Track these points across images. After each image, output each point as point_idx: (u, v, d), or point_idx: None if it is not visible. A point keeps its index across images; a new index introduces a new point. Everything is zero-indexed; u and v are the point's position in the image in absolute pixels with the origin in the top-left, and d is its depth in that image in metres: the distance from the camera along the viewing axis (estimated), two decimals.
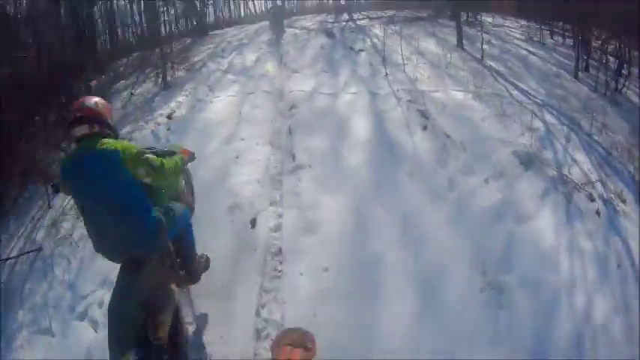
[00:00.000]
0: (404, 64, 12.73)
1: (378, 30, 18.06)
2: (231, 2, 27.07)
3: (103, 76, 14.94)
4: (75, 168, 3.40)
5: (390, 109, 9.95)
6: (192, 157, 4.44)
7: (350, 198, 7.08)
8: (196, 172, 6.36)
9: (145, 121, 10.71)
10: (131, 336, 3.17)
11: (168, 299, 3.60)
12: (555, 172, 7.61)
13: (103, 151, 3.27)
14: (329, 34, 18.21)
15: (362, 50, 15.11)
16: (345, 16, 22.47)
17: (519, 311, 5.14)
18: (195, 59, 16.15)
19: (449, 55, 13.85)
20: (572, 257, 5.93)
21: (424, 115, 9.57)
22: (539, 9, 20.17)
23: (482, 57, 14.17)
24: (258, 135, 9.43)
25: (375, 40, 16.30)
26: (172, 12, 22.65)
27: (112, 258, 3.58)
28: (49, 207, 8.04)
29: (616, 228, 6.59)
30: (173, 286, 3.85)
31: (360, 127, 9.23)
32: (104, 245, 3.51)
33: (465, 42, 15.58)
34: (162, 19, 21.07)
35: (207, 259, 5.04)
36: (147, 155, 3.35)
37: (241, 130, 9.69)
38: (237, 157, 8.58)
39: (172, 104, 11.54)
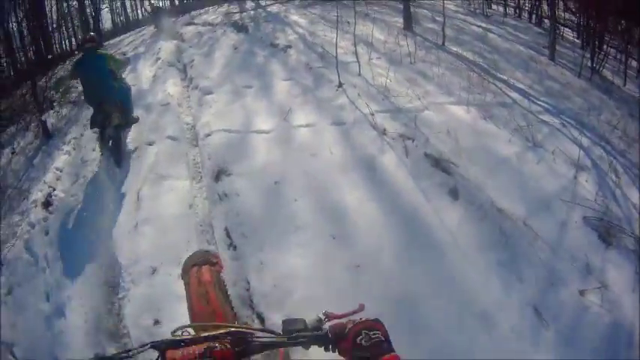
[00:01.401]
0: (358, 64, 8.90)
1: (296, 16, 14.43)
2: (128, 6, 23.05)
3: None
4: (85, 60, 7.05)
5: (377, 154, 6.06)
6: (128, 61, 10.19)
7: None
8: None
9: (20, 214, 6.23)
10: (98, 123, 6.88)
11: (113, 116, 6.99)
12: (634, 242, 4.92)
13: (99, 54, 7.18)
14: (239, 27, 13.91)
15: (289, 47, 11.06)
16: (251, 4, 18.62)
17: None
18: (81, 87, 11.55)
19: (403, 43, 10.27)
20: None
21: (440, 165, 5.72)
22: None
23: (443, 42, 11.00)
24: (174, 256, 4.65)
25: (300, 30, 12.49)
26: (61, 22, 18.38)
27: (93, 102, 7.06)
28: None
29: None
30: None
31: (352, 208, 5.19)
32: (90, 97, 7.12)
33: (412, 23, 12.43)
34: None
35: (137, 117, 7.99)
36: (115, 58, 7.70)
37: (143, 243, 5.24)
38: (156, 323, 4.24)
39: (50, 175, 7.16)
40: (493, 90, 8.34)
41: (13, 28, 16.17)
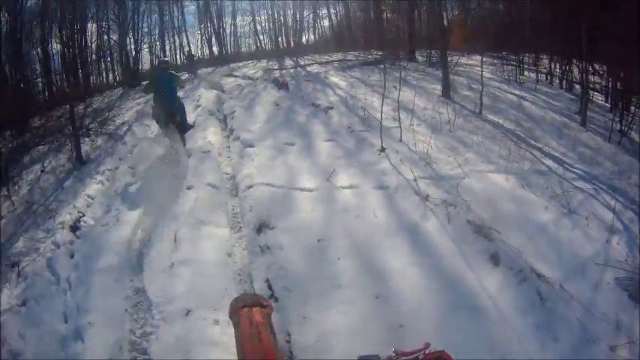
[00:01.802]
0: (399, 129, 9.42)
1: (336, 78, 15.24)
2: (167, 50, 24.20)
3: (12, 143, 10.87)
4: (160, 76, 10.51)
5: (420, 221, 6.35)
6: (183, 83, 12.36)
7: None
8: None
9: (45, 231, 6.74)
10: (163, 122, 10.42)
11: (177, 117, 10.56)
12: None
13: (170, 73, 10.64)
14: (280, 84, 14.70)
15: (330, 108, 11.71)
16: (291, 62, 19.72)
17: None
18: (119, 121, 12.69)
19: (443, 111, 10.82)
20: None
21: (482, 231, 5.99)
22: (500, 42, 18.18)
23: (480, 110, 11.47)
24: (211, 299, 5.15)
25: (340, 92, 13.19)
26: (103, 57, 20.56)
27: (162, 107, 10.23)
28: None
29: None
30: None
31: (395, 271, 5.45)
32: (160, 102, 10.21)
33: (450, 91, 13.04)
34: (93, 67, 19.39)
35: (193, 124, 11.23)
36: (179, 78, 11.21)
37: (179, 284, 5.45)
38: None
39: (80, 201, 7.64)
40: (529, 158, 8.70)
41: (52, 51, 17.62)
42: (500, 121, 10.83)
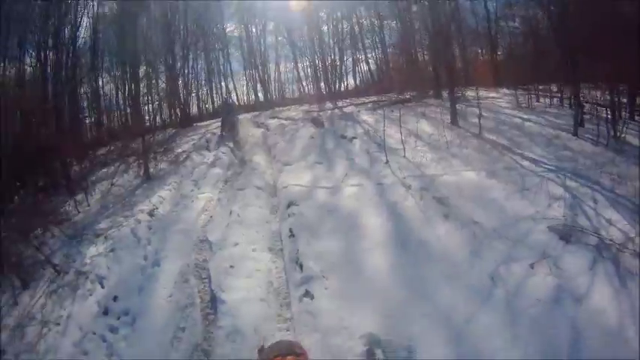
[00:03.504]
0: (404, 149, 12.26)
1: (366, 116, 18.02)
2: (214, 94, 26.68)
3: (85, 163, 14.86)
4: (226, 104, 20.82)
5: (401, 200, 9.30)
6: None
7: (381, 314, 6.34)
8: (184, 286, 7.49)
9: (124, 216, 10.13)
10: (227, 129, 17.44)
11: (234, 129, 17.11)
12: (596, 239, 7.44)
13: (231, 102, 20.92)
14: (317, 123, 17.88)
15: (354, 138, 14.67)
16: (329, 105, 22.49)
17: None
18: (179, 150, 15.86)
19: (446, 134, 13.50)
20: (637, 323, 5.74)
21: (442, 202, 8.91)
22: (521, 75, 20.37)
23: (480, 132, 13.93)
24: (253, 239, 8.80)
25: (366, 127, 16.05)
26: (156, 100, 23.12)
27: (226, 123, 18.27)
28: (16, 303, 7.58)
29: None
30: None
31: (373, 224, 8.54)
32: (225, 120, 18.39)
33: (458, 119, 15.45)
34: (146, 107, 21.96)
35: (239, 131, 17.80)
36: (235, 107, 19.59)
37: (233, 232, 9.02)
38: (231, 267, 7.86)
39: (154, 199, 11.01)
40: (507, 160, 11.19)
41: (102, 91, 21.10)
42: (496, 139, 13.24)
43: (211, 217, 9.88)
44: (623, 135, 12.74)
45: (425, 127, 14.66)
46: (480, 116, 14.18)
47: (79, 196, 11.84)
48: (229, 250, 8.36)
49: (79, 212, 11.07)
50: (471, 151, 12.12)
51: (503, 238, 7.58)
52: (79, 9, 19.59)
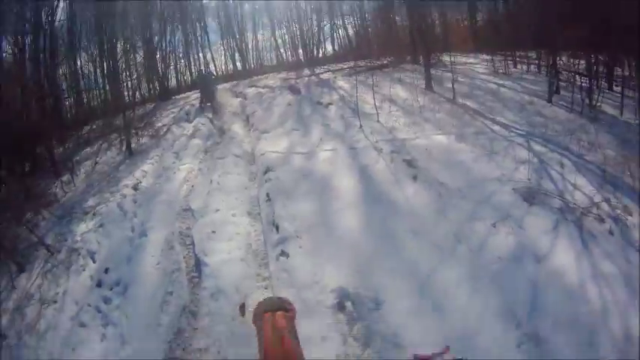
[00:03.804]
0: (377, 114, 12.48)
1: (342, 82, 18.21)
2: (192, 66, 26.57)
3: (68, 144, 15.20)
4: (203, 74, 19.88)
5: (372, 163, 9.62)
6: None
7: (351, 269, 6.69)
8: (170, 253, 7.86)
9: (110, 192, 10.48)
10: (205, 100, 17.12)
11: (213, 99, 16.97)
12: (560, 202, 7.76)
13: (209, 73, 20.44)
14: (294, 90, 17.99)
15: (330, 104, 14.85)
16: (307, 72, 22.54)
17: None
18: (160, 124, 16.00)
19: (420, 99, 13.76)
20: (598, 284, 6.11)
21: (411, 164, 9.27)
22: (500, 41, 20.55)
23: (453, 97, 14.18)
24: (233, 205, 9.18)
25: (342, 92, 16.25)
26: (135, 76, 22.91)
27: (204, 92, 17.73)
28: (13, 287, 7.95)
29: (630, 241, 6.96)
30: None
31: (345, 186, 8.87)
32: (203, 90, 17.72)
33: (433, 84, 15.67)
34: (125, 83, 21.89)
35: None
36: (214, 77, 19.85)
37: (214, 200, 9.39)
38: (213, 232, 8.23)
39: (137, 173, 11.31)
40: (478, 125, 11.50)
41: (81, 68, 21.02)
42: (469, 104, 13.53)
43: (193, 186, 10.19)
44: (599, 104, 13.06)
45: (400, 92, 14.87)
46: (453, 81, 14.38)
47: (65, 177, 12.12)
48: (211, 216, 8.74)
49: (66, 193, 11.38)
50: (443, 116, 12.40)
51: (468, 199, 7.95)
52: None
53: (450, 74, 15.85)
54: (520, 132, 10.97)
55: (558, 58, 15.46)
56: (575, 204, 7.64)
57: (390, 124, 11.96)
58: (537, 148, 9.92)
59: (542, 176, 8.68)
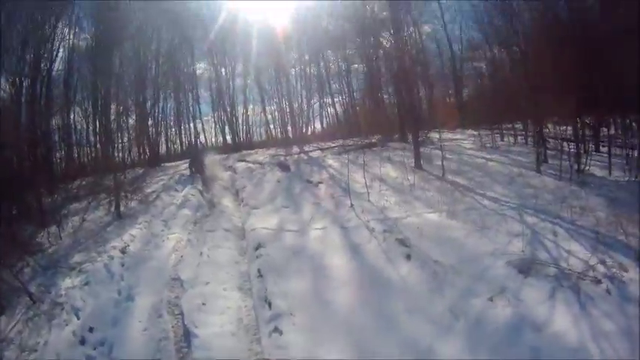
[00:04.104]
0: (368, 193, 12.69)
1: (331, 160, 18.59)
2: (183, 135, 27.78)
3: (56, 196, 15.12)
4: (194, 146, 22.06)
5: (364, 242, 9.65)
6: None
7: (347, 346, 6.55)
8: (158, 321, 7.74)
9: (97, 252, 10.31)
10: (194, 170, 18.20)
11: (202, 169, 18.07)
12: (556, 270, 7.69)
13: (200, 145, 22.55)
14: (283, 167, 18.47)
15: (320, 182, 15.17)
16: (296, 149, 23.06)
17: None
18: (149, 190, 16.20)
19: (410, 178, 13.95)
20: (600, 346, 5.99)
21: (403, 243, 9.24)
22: (486, 115, 21.13)
23: (443, 174, 14.41)
24: (223, 279, 9.16)
25: (332, 171, 16.56)
26: (126, 138, 23.62)
27: (193, 164, 18.96)
28: None
29: (628, 297, 6.89)
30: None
31: (338, 264, 8.86)
32: (193, 161, 18.84)
33: (422, 162, 15.97)
34: (117, 145, 22.41)
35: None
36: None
37: (204, 272, 9.35)
38: (203, 304, 8.10)
39: (126, 237, 11.23)
40: (468, 201, 11.59)
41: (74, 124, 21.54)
42: (458, 180, 13.74)
43: (182, 256, 10.14)
44: (587, 167, 13.43)
45: (389, 171, 15.29)
46: (443, 158, 14.65)
47: (53, 229, 12.06)
48: (200, 288, 8.67)
49: (52, 245, 11.30)
50: (434, 193, 12.56)
51: (463, 275, 7.86)
52: (56, 38, 20.26)
53: (438, 151, 16.13)
54: (511, 205, 11.06)
55: (545, 127, 15.97)
56: (570, 270, 7.60)
57: (381, 203, 12.09)
58: (529, 219, 9.97)
59: (536, 247, 8.66)
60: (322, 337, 6.81)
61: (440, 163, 15.15)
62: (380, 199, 12.44)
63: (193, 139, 25.60)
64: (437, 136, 18.30)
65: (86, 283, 8.84)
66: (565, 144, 14.66)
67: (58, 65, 20.88)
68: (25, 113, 17.92)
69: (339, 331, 6.86)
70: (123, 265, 9.72)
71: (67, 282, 9.00)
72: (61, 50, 21.04)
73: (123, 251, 10.40)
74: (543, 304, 6.91)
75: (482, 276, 7.81)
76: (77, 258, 10.11)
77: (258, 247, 10.15)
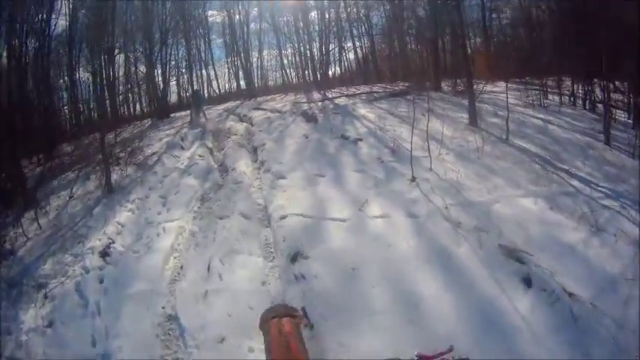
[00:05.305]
0: (430, 159, 9.54)
1: (363, 110, 15.39)
2: (195, 83, 24.68)
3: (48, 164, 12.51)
4: (196, 93, 19.65)
5: (452, 246, 6.44)
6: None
7: None
8: None
9: (73, 256, 7.46)
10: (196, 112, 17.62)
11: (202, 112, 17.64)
12: None
13: (199, 92, 21.32)
14: (308, 117, 15.03)
15: (359, 139, 11.86)
16: (317, 95, 19.88)
17: None
18: (150, 151, 13.17)
19: (471, 139, 10.99)
20: None
21: (513, 255, 6.07)
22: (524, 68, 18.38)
23: (507, 137, 11.47)
24: (245, 322, 5.43)
25: (368, 124, 13.39)
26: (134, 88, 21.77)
27: (195, 107, 17.92)
28: None
29: None
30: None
31: (423, 294, 5.62)
32: (195, 105, 18.06)
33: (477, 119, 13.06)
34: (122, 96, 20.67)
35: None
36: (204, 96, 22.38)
37: (213, 311, 5.84)
38: None
39: (111, 228, 8.19)
40: (557, 180, 8.76)
41: (79, 79, 18.69)
42: (527, 146, 10.87)
43: (182, 268, 6.88)
44: None
45: (439, 127, 11.75)
46: (507, 118, 11.69)
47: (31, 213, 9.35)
48: (210, 348, 5.25)
49: (28, 239, 8.50)
50: (509, 164, 9.63)
51: (606, 319, 4.98)
52: None
53: (486, 106, 14.20)
54: (606, 191, 8.30)
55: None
56: None
57: (449, 175, 9.03)
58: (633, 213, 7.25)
59: None
60: None
61: (494, 120, 12.61)
62: (445, 168, 9.33)
63: (195, 89, 22.55)
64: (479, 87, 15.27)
65: (50, 324, 5.92)
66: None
67: (58, 20, 18.31)
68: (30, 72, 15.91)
69: None
70: (101, 283, 6.65)
71: (30, 315, 6.17)
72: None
73: (104, 254, 7.34)
74: None
75: (626, 319, 4.95)
76: (48, 267, 7.27)
77: (295, 257, 6.57)
